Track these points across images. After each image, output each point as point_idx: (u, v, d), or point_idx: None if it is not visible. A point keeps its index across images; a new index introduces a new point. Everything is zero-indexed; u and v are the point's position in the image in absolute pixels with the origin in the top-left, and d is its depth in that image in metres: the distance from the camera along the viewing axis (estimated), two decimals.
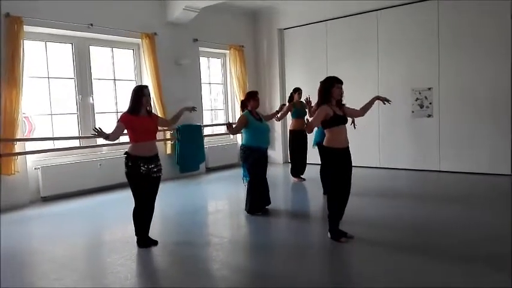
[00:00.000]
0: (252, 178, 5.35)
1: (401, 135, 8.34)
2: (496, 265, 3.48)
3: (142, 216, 4.22)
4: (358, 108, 4.54)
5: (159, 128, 4.48)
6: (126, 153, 4.12)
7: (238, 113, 9.27)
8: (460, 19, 7.48)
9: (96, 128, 3.94)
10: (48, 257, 4.14)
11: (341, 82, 4.24)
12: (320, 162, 5.56)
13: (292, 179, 7.64)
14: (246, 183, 5.49)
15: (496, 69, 7.18)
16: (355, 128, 5.43)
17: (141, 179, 4.09)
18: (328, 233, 4.26)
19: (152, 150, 4.19)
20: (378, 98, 4.55)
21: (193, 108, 4.83)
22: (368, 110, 4.60)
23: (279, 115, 6.52)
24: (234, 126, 5.36)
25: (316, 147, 5.95)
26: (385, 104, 4.52)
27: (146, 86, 4.27)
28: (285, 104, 7.13)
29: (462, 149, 7.63)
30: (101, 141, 7.45)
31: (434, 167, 7.96)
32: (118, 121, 4.14)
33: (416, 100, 8.10)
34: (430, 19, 7.79)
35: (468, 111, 7.54)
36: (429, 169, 8.00)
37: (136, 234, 4.28)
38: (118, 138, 4.21)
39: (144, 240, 4.28)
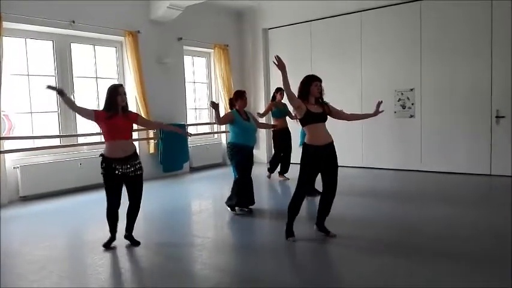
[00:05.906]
0: (239, 175, 5.34)
1: (384, 136, 8.43)
2: (482, 264, 3.53)
3: (114, 217, 4.20)
4: (347, 111, 4.53)
5: (140, 127, 4.43)
6: (101, 154, 4.10)
7: (223, 112, 9.24)
8: (441, 21, 7.60)
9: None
10: (27, 258, 4.06)
11: (320, 80, 4.23)
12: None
13: (274, 177, 7.67)
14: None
15: (476, 71, 7.32)
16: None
17: (118, 179, 4.08)
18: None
19: (126, 150, 4.11)
20: (375, 114, 4.65)
21: (187, 134, 5.20)
22: (358, 119, 4.75)
23: (261, 112, 7.54)
24: (221, 116, 5.22)
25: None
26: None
27: (121, 85, 4.24)
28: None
29: (443, 149, 7.76)
30: (81, 140, 7.36)
31: (416, 167, 8.07)
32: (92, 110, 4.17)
33: (398, 101, 8.20)
34: (413, 21, 7.90)
35: (449, 112, 7.67)
36: (411, 169, 8.11)
37: (110, 232, 4.26)
38: (79, 112, 4.16)
39: (111, 241, 4.24)
